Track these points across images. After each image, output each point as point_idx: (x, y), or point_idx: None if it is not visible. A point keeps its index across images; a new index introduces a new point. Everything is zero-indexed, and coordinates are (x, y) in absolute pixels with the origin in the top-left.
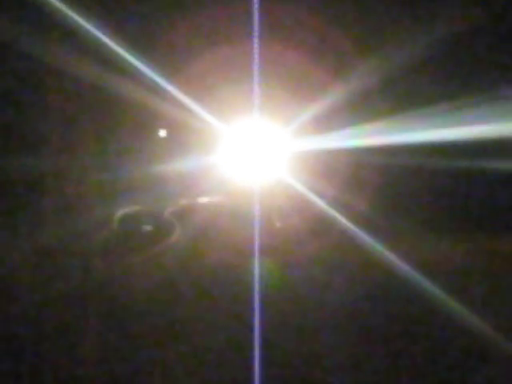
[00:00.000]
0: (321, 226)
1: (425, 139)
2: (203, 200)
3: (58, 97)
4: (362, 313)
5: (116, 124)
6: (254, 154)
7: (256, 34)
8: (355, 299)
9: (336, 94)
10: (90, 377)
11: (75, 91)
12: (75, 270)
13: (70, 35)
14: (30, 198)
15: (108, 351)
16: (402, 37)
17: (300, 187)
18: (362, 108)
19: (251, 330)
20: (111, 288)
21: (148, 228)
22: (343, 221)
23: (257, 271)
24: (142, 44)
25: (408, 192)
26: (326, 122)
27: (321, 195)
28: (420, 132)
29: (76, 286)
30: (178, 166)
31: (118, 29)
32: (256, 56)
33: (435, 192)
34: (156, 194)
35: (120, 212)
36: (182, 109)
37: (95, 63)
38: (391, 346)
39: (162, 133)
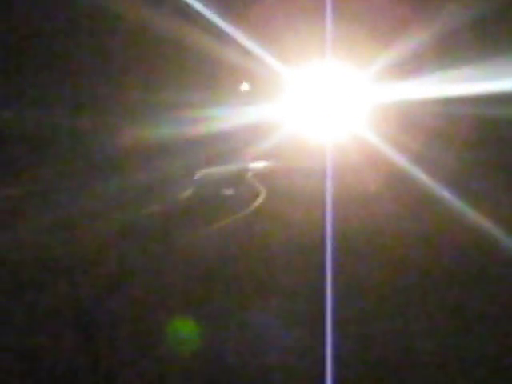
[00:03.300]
0: (402, 187)
1: None
2: (284, 162)
3: (143, 53)
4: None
5: (193, 78)
6: (327, 104)
7: None
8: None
9: (420, 36)
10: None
11: (154, 45)
12: (154, 233)
13: None
14: (107, 152)
15: (191, 316)
16: None
17: (378, 142)
18: (450, 52)
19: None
20: (194, 254)
21: (229, 192)
22: (427, 179)
23: (329, 250)
24: None
25: (504, 147)
26: (408, 68)
27: (403, 150)
28: None
29: (155, 251)
30: (253, 122)
31: None
32: None
33: None
34: (232, 153)
35: (200, 173)
36: (252, 59)
37: (170, 16)
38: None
39: (245, 86)
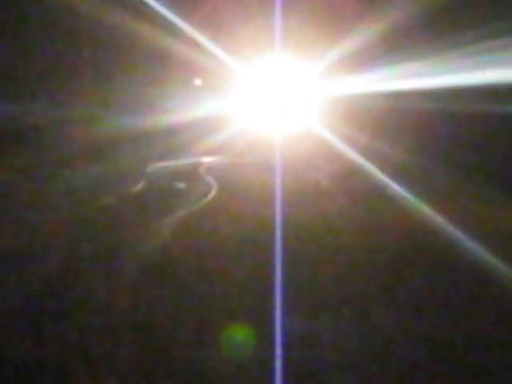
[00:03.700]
0: (352, 181)
1: (469, 82)
2: (236, 156)
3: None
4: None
5: (144, 72)
6: (278, 98)
7: None
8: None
9: (368, 30)
10: None
11: (106, 39)
12: (105, 226)
13: None
14: (58, 145)
15: (141, 311)
16: None
17: (329, 136)
18: (399, 46)
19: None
20: (146, 247)
21: (181, 186)
22: (374, 170)
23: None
24: None
25: (446, 139)
26: (357, 62)
27: (353, 144)
28: (463, 73)
29: (108, 243)
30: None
31: None
32: None
33: (477, 139)
34: (185, 147)
35: (152, 166)
36: (203, 53)
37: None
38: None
39: (197, 81)
